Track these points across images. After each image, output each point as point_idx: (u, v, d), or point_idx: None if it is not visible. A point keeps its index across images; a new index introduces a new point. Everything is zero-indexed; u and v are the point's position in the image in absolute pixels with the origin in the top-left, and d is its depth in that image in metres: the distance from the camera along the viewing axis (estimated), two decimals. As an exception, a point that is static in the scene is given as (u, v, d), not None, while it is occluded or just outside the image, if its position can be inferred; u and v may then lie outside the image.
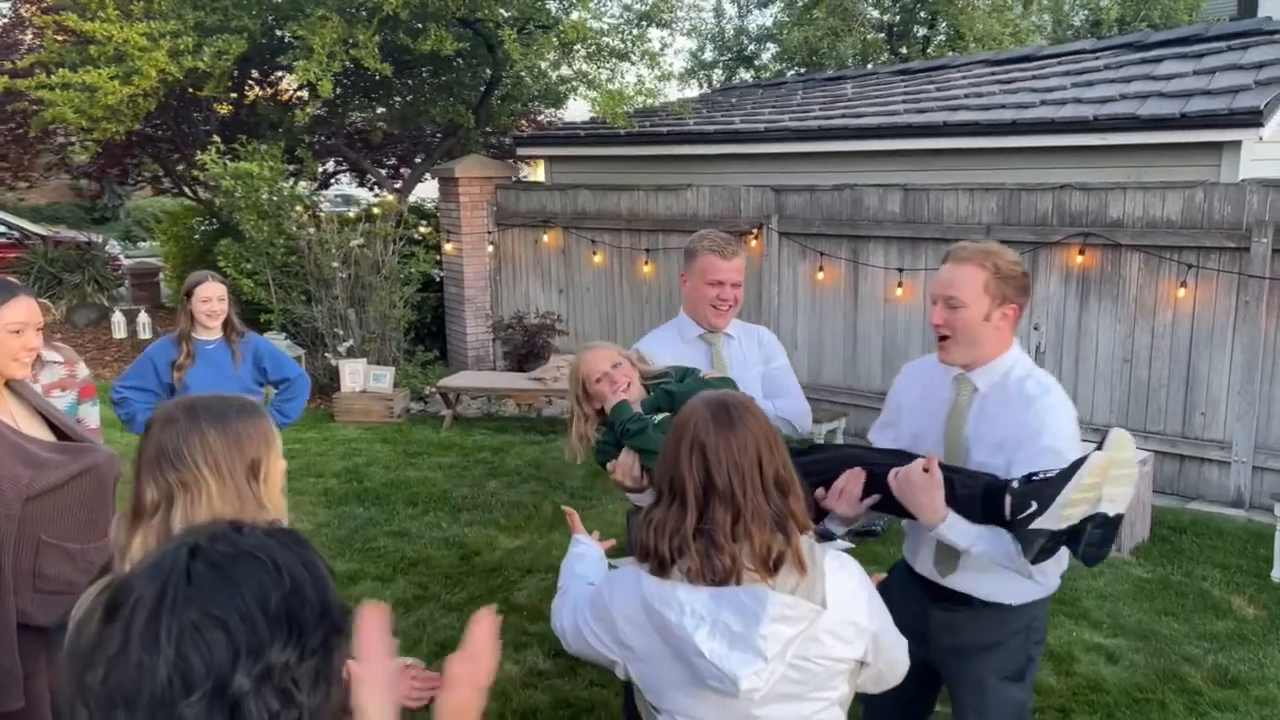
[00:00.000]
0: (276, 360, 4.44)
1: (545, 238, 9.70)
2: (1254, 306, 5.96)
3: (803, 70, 12.32)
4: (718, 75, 14.22)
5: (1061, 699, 4.00)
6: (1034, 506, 2.16)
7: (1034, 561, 2.25)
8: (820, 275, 7.82)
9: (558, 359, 8.36)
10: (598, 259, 9.34)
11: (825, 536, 2.41)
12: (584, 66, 9.71)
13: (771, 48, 13.44)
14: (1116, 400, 6.61)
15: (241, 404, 1.67)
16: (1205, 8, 10.76)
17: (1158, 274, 6.34)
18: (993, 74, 8.49)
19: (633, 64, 9.53)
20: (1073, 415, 2.51)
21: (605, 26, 9.71)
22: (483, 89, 11.10)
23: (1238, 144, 6.36)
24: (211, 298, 4.21)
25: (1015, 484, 2.24)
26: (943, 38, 11.83)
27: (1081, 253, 6.60)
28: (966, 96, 7.96)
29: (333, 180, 14.50)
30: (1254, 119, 6.15)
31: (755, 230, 8.17)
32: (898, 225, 7.38)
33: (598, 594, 1.89)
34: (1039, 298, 6.85)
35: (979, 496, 2.29)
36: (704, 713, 1.77)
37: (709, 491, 1.72)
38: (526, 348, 9.18)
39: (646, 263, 8.99)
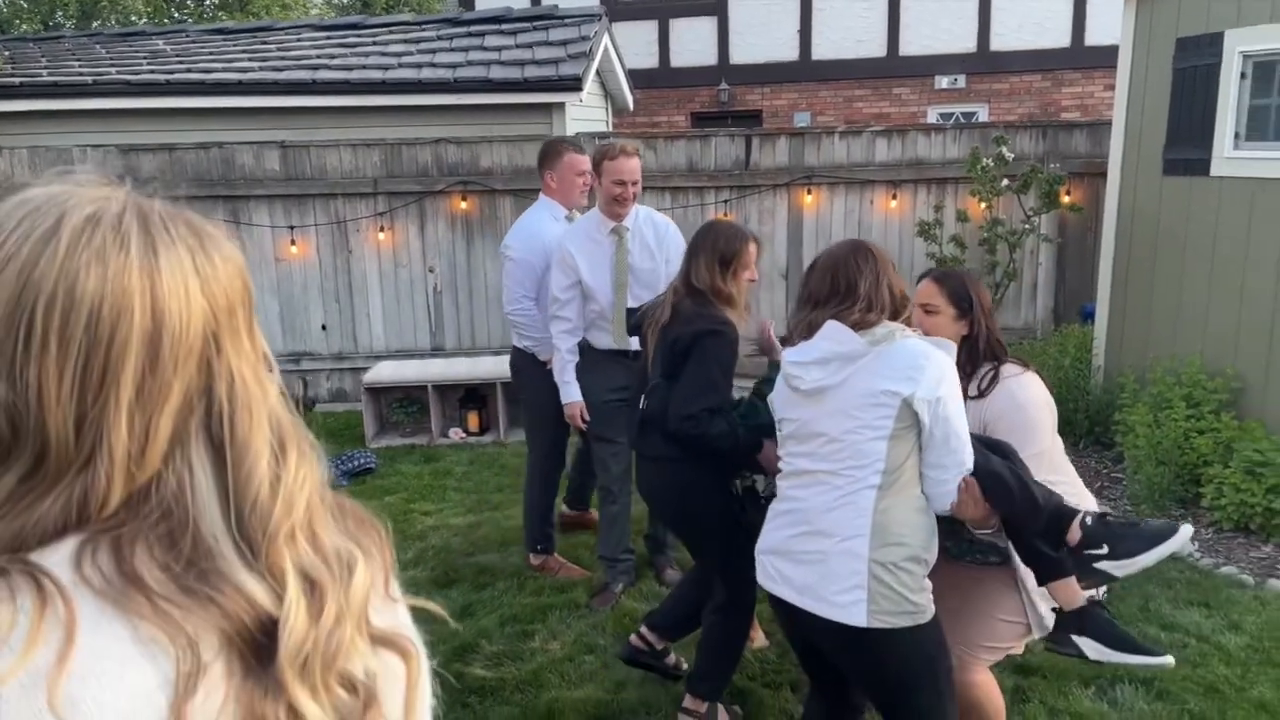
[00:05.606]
0: None
1: None
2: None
3: (65, 23, 10.65)
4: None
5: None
6: (1105, 549, 2.35)
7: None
8: (201, 240, 7.26)
9: None
10: None
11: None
12: None
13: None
14: (507, 329, 7.64)
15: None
16: None
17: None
18: (329, 38, 8.68)
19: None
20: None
21: None
22: None
23: (563, 105, 7.84)
24: None
25: (1088, 519, 2.38)
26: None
27: (464, 199, 7.44)
28: (319, 57, 8.07)
29: None
30: (576, 84, 7.66)
31: (105, 196, 7.16)
32: (281, 183, 7.26)
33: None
34: (430, 241, 7.50)
35: (1042, 512, 2.33)
36: (797, 414, 2.40)
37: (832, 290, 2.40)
38: None
39: (-61, 247, 7.14)
